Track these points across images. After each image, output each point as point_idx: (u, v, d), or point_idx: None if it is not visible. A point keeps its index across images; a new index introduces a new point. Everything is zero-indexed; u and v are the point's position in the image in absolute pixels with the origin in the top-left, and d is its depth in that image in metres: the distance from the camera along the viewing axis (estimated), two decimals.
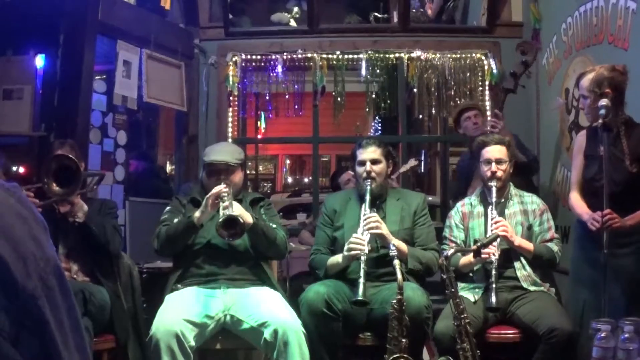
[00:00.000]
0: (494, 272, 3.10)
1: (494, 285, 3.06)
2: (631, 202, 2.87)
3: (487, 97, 5.17)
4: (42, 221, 0.88)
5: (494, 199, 3.30)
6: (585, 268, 3.04)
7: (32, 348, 0.80)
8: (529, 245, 3.28)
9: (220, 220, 2.97)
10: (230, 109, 5.35)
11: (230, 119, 5.34)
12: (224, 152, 3.37)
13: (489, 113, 4.97)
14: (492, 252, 3.13)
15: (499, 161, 3.35)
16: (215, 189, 3.12)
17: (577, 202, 3.16)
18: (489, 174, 3.35)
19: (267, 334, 2.89)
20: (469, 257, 3.28)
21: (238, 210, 3.07)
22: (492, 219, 3.26)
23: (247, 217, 3.12)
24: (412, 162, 5.04)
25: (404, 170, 4.91)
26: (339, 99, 5.32)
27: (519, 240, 3.26)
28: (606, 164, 2.80)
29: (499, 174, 3.34)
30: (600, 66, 3.03)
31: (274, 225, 3.31)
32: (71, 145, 3.37)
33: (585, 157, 3.14)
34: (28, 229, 0.84)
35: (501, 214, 3.34)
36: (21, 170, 4.14)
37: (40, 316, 0.81)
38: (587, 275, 3.01)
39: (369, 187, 3.28)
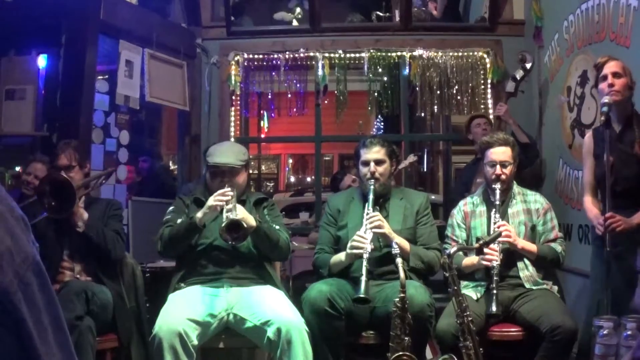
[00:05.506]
0: (495, 277, 3.09)
1: (494, 292, 3.05)
2: None
3: (489, 95, 5.17)
4: (21, 216, 0.87)
5: (497, 201, 3.28)
6: (602, 269, 2.99)
7: (5, 345, 0.80)
8: (532, 248, 3.26)
9: (224, 224, 2.95)
10: (233, 109, 5.36)
11: (232, 119, 5.35)
12: (228, 153, 3.30)
13: (491, 111, 4.99)
14: (495, 258, 3.12)
15: (503, 164, 3.33)
16: (220, 196, 3.10)
17: (588, 205, 3.16)
18: (493, 176, 3.33)
19: (270, 332, 2.89)
20: (472, 259, 3.27)
21: (241, 213, 3.05)
22: (494, 223, 3.24)
23: (250, 220, 3.10)
24: (411, 158, 5.03)
25: (402, 167, 4.89)
26: (341, 97, 5.32)
27: (522, 243, 3.24)
28: (608, 161, 2.80)
29: (504, 177, 3.32)
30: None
31: (277, 227, 3.28)
32: (74, 146, 3.36)
33: (595, 158, 3.13)
34: (4, 224, 0.82)
35: (504, 213, 3.33)
36: None
37: (15, 313, 0.80)
38: (602, 277, 2.97)
39: (372, 187, 3.27)
